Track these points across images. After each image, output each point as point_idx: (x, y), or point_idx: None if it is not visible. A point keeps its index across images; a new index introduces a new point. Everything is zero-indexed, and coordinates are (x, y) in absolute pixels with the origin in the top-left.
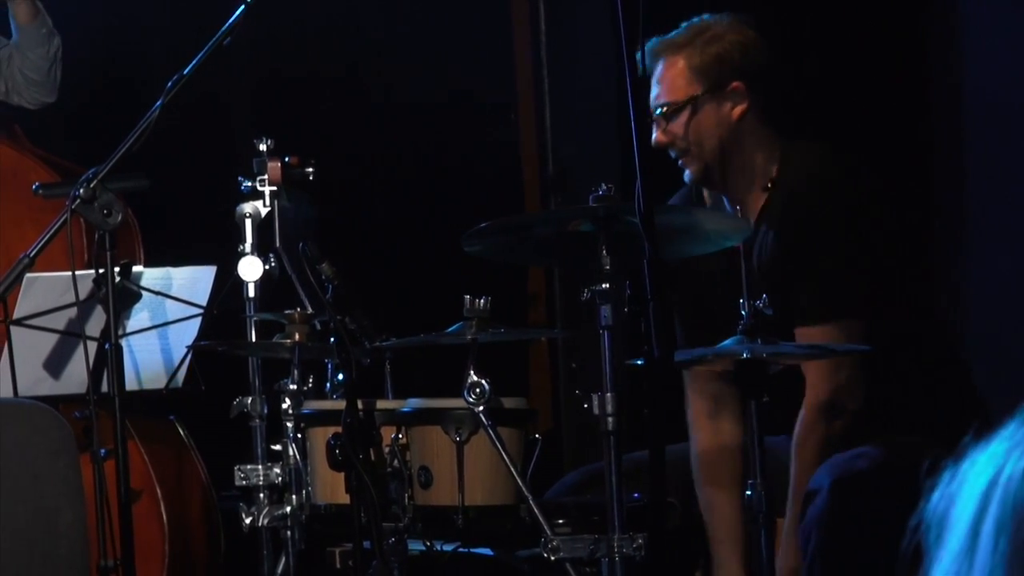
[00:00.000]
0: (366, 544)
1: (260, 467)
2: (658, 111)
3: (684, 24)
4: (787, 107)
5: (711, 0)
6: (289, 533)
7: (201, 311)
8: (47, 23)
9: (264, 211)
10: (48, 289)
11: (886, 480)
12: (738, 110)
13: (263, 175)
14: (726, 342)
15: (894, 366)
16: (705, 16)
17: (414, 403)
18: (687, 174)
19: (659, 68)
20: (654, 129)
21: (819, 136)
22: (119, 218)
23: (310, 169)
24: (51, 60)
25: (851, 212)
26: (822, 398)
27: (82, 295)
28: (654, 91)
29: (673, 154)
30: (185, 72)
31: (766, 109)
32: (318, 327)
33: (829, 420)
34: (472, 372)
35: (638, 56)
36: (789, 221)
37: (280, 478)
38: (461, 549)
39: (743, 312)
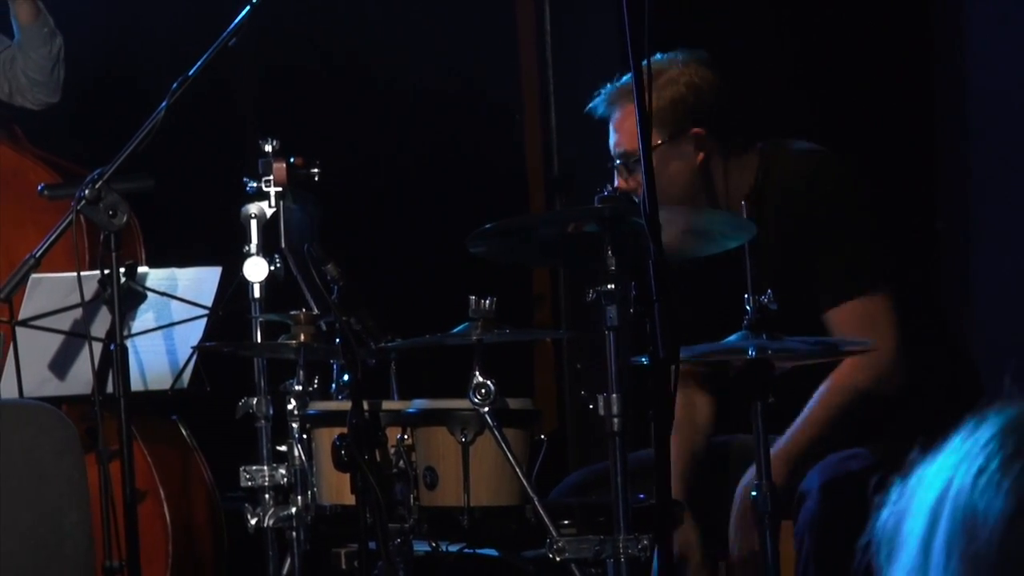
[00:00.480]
0: (371, 545)
1: (265, 468)
2: (618, 161)
3: None
4: (791, 108)
5: (715, 4)
6: (294, 534)
7: (206, 312)
8: (48, 23)
9: (269, 212)
10: (53, 290)
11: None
12: (700, 155)
13: (268, 176)
14: (730, 338)
15: (903, 362)
16: (657, 56)
17: (419, 404)
18: None
19: (616, 115)
20: (616, 175)
21: (824, 136)
22: (124, 219)
23: (315, 170)
24: (54, 60)
25: (850, 190)
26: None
27: (87, 296)
28: (613, 138)
29: (637, 200)
30: (190, 73)
31: (729, 144)
32: (323, 328)
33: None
34: (477, 373)
35: (602, 97)
36: (787, 217)
37: (285, 479)
38: (466, 550)
39: (747, 308)
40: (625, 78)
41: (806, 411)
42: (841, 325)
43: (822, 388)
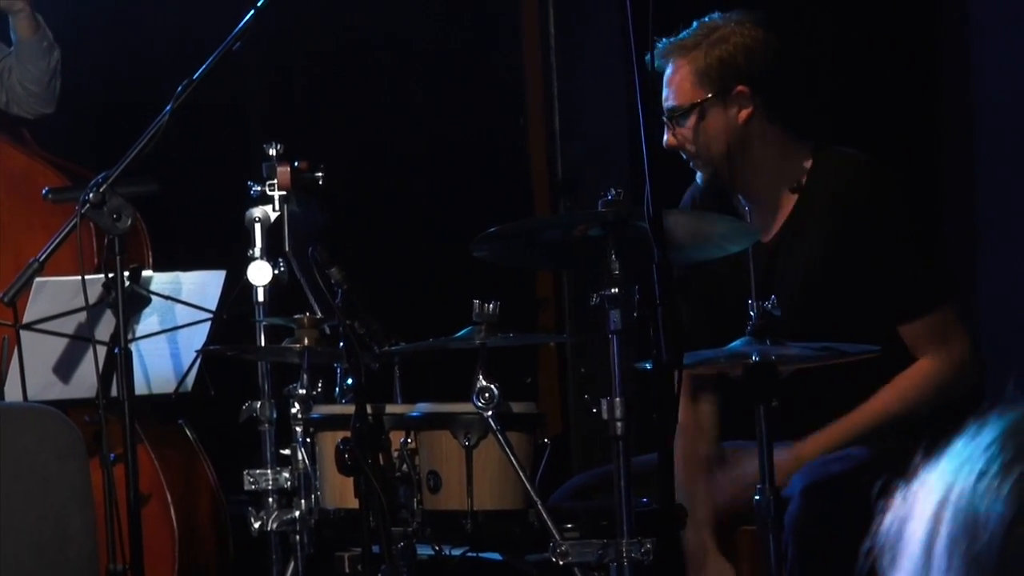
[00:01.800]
0: (375, 549)
1: (269, 471)
2: (665, 116)
3: (695, 23)
4: (799, 109)
5: (720, 3)
6: (298, 537)
7: (211, 316)
8: (48, 36)
9: (274, 216)
10: (58, 293)
11: (858, 482)
12: (744, 113)
13: (273, 180)
14: (734, 344)
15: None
16: (715, 15)
17: (423, 408)
18: (699, 176)
19: (668, 70)
20: (665, 131)
21: (829, 137)
22: (128, 223)
23: (319, 174)
24: (51, 73)
25: (907, 202)
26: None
27: (92, 299)
28: (664, 93)
29: (684, 156)
30: (195, 77)
31: (775, 110)
32: (327, 332)
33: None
34: (481, 377)
35: (648, 57)
36: (838, 220)
37: (289, 482)
38: (470, 554)
39: (751, 313)
40: (684, 33)
41: (878, 394)
42: (917, 338)
43: (897, 378)
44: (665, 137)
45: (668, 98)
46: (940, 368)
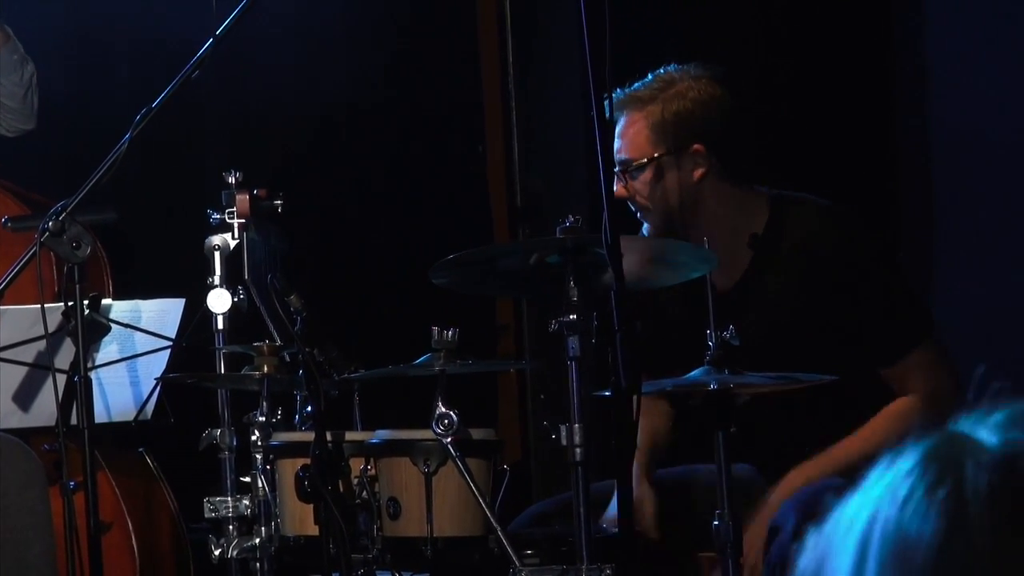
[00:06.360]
0: None
1: (229, 499)
2: (617, 168)
3: (651, 75)
4: (752, 163)
5: (676, 36)
6: (258, 565)
7: (170, 343)
8: (18, 49)
9: (233, 243)
10: (17, 322)
11: None
12: (698, 172)
13: (232, 208)
14: (693, 373)
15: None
16: (672, 67)
17: (383, 434)
18: (645, 227)
19: (622, 121)
20: (616, 181)
21: (787, 173)
22: (87, 251)
23: (279, 201)
24: (26, 86)
25: (879, 248)
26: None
27: (51, 328)
28: (616, 144)
29: (632, 207)
30: (153, 105)
31: (729, 168)
32: (287, 359)
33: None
34: (440, 403)
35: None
36: (807, 270)
37: (249, 510)
38: None
39: (710, 343)
40: (638, 84)
41: (862, 429)
42: (900, 380)
43: (887, 409)
44: (615, 187)
45: (621, 150)
46: (920, 405)
